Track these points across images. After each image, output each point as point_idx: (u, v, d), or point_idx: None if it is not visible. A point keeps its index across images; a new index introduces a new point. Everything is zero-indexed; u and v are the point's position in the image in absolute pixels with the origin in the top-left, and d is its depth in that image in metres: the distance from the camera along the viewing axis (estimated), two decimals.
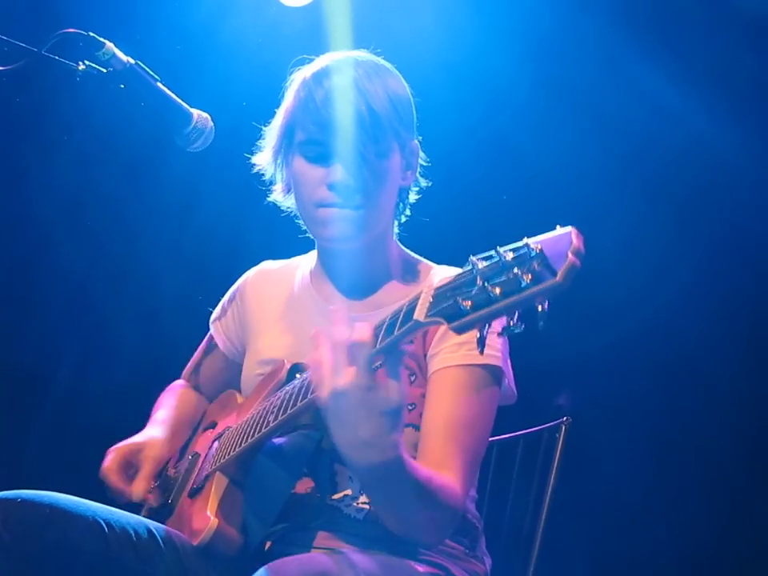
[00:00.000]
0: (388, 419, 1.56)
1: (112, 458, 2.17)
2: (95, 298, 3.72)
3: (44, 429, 3.62)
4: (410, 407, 2.00)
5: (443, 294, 1.44)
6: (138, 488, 2.12)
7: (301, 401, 1.78)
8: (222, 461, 2.01)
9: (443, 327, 1.43)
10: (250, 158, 2.26)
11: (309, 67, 2.14)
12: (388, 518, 1.81)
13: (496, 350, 2.00)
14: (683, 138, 3.34)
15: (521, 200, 3.47)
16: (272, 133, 2.19)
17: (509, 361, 2.09)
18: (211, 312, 2.46)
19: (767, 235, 3.32)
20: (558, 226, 1.35)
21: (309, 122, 2.06)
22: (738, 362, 3.32)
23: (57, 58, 1.90)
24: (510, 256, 1.34)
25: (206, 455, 2.17)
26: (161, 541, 1.95)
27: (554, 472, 2.34)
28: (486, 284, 1.35)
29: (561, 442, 2.37)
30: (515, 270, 1.32)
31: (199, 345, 2.50)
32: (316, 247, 2.26)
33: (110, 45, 1.95)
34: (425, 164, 2.22)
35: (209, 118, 2.09)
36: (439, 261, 2.22)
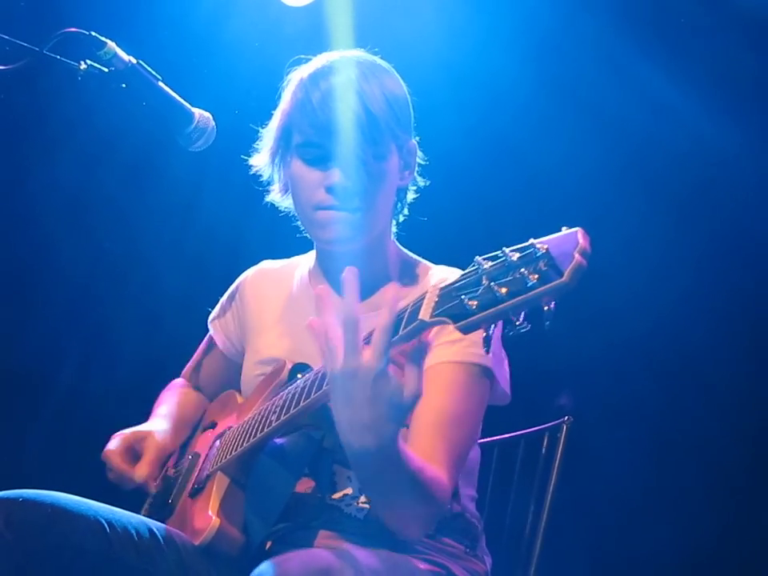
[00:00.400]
0: (392, 410, 1.55)
1: (116, 441, 2.15)
2: (97, 297, 3.72)
3: (46, 428, 3.62)
4: None
5: (448, 293, 1.44)
6: (141, 471, 2.10)
7: (303, 401, 1.78)
8: (223, 460, 2.01)
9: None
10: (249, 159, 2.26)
11: (305, 68, 2.14)
12: (377, 504, 1.82)
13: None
14: (684, 137, 3.34)
15: (521, 200, 3.46)
16: (269, 134, 2.18)
17: (505, 362, 2.09)
18: (211, 312, 2.46)
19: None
20: (563, 228, 1.34)
21: (306, 125, 2.05)
22: (739, 362, 3.32)
23: (58, 57, 1.89)
24: (515, 256, 1.34)
25: (207, 455, 2.17)
26: (162, 540, 1.95)
27: (554, 472, 2.34)
28: (492, 284, 1.35)
29: (562, 442, 2.37)
30: (521, 270, 1.32)
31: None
32: (314, 248, 2.26)
33: (111, 44, 1.94)
34: (423, 163, 2.21)
35: (210, 117, 2.08)
36: (440, 261, 2.22)
